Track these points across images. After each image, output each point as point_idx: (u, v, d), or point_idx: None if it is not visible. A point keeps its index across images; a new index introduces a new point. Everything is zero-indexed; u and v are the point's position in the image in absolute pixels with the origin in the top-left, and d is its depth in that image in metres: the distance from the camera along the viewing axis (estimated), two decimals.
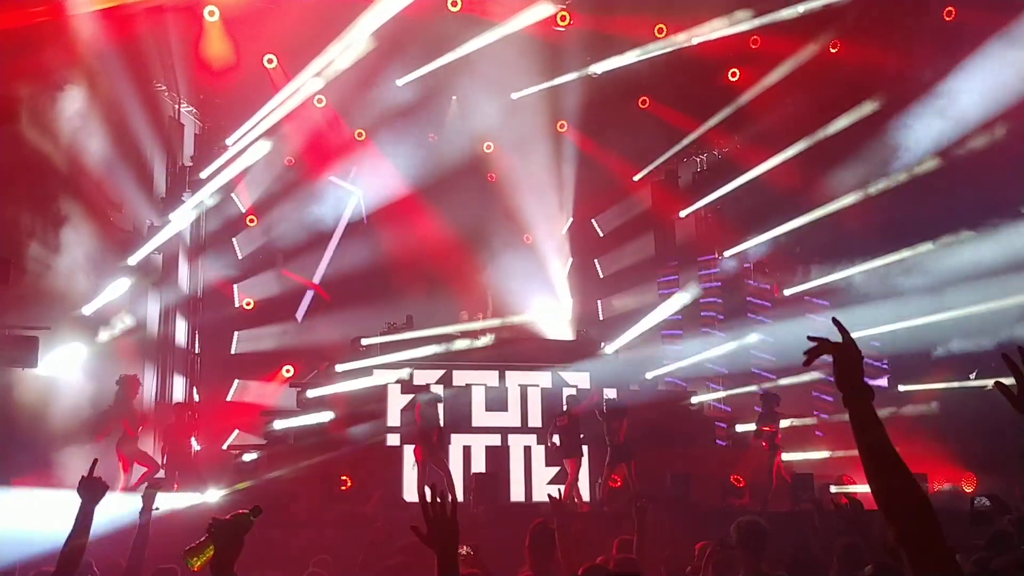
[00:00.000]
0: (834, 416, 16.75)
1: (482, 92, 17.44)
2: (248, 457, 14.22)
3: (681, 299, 19.18)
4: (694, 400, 18.10)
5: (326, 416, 14.73)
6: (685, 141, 19.02)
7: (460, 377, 15.95)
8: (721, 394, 19.22)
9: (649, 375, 18.32)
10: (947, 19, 15.29)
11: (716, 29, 15.91)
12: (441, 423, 13.96)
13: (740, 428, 16.88)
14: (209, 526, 3.57)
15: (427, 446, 13.42)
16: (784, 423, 14.69)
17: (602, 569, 5.04)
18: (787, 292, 18.80)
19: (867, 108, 16.12)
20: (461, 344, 16.16)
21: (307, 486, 12.90)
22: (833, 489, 14.33)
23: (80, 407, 12.79)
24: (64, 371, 12.67)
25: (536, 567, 5.32)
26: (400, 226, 18.31)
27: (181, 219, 16.21)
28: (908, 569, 2.23)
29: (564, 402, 14.94)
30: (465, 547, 5.32)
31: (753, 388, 17.57)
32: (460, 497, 13.40)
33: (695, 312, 20.32)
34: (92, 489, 4.17)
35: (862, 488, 10.25)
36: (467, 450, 15.29)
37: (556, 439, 14.54)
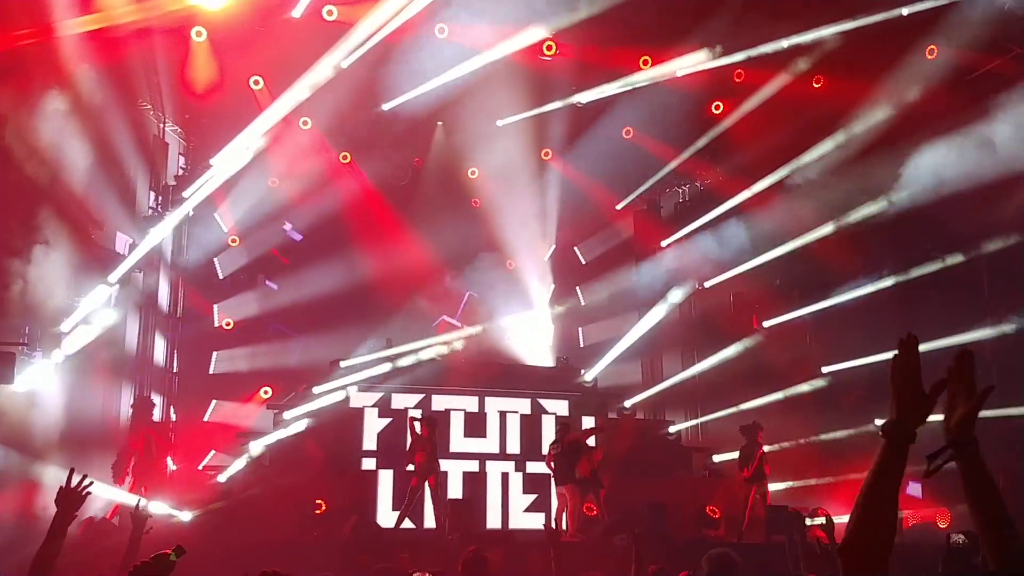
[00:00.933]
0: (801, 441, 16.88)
1: (468, 119, 17.55)
2: (223, 477, 14.15)
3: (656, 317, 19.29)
4: (671, 429, 18.13)
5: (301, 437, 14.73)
6: (665, 170, 19.13)
7: (439, 402, 15.94)
8: (698, 420, 19.27)
9: (628, 403, 18.35)
10: (930, 57, 15.48)
11: (701, 62, 16.08)
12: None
13: (717, 458, 16.90)
14: (130, 572, 3.53)
15: (426, 471, 13.51)
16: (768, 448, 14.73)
17: None
18: (766, 324, 18.87)
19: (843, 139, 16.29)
20: (435, 353, 16.25)
21: (282, 509, 12.82)
22: (808, 522, 14.30)
23: (57, 423, 12.72)
24: (41, 387, 12.59)
25: None
26: (383, 250, 18.30)
27: (159, 235, 16.16)
28: None
29: (555, 431, 14.93)
30: (428, 574, 5.31)
31: (731, 410, 17.68)
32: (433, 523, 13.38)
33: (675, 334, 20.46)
34: (69, 500, 4.22)
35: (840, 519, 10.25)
36: (444, 476, 15.25)
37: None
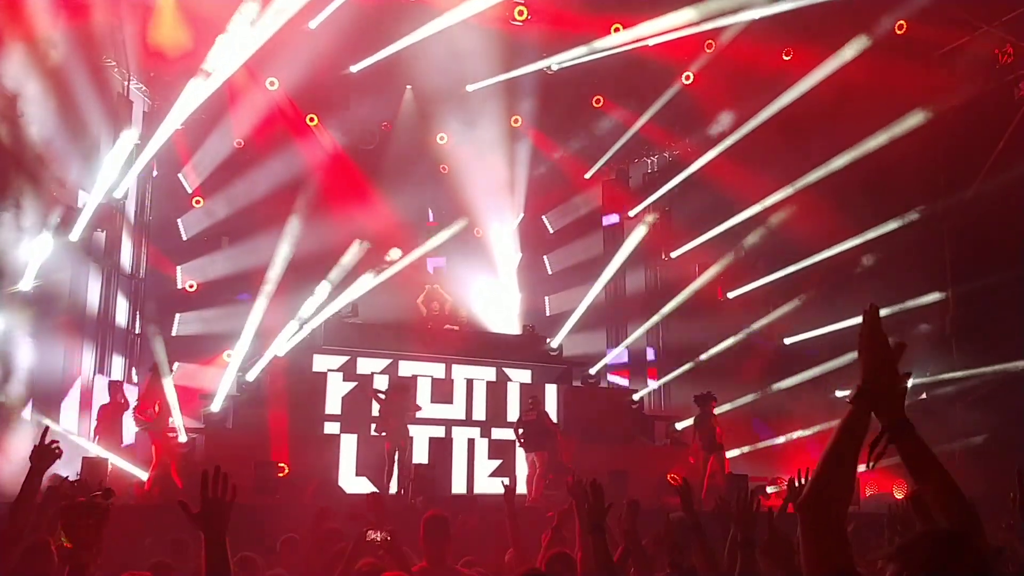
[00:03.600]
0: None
1: (437, 82, 17.41)
2: (183, 438, 14.08)
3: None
4: (635, 396, 18.28)
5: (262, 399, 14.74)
6: (627, 135, 19.10)
7: (406, 367, 15.93)
8: (659, 383, 19.48)
9: (592, 370, 18.46)
10: (898, 32, 15.56)
11: (672, 28, 16.02)
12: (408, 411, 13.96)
13: (679, 425, 17.08)
14: (61, 508, 3.48)
15: (396, 436, 13.53)
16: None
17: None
18: (731, 295, 19.02)
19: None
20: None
21: (243, 472, 12.77)
22: (769, 490, 14.55)
23: (20, 382, 12.60)
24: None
25: (431, 558, 5.30)
26: (350, 214, 18.16)
27: (119, 192, 15.91)
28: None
29: (529, 398, 15.01)
30: (380, 532, 5.30)
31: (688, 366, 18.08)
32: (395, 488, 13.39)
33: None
34: (43, 456, 4.33)
35: None
36: (410, 442, 15.26)
37: (521, 432, 14.55)
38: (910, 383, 2.46)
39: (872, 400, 2.39)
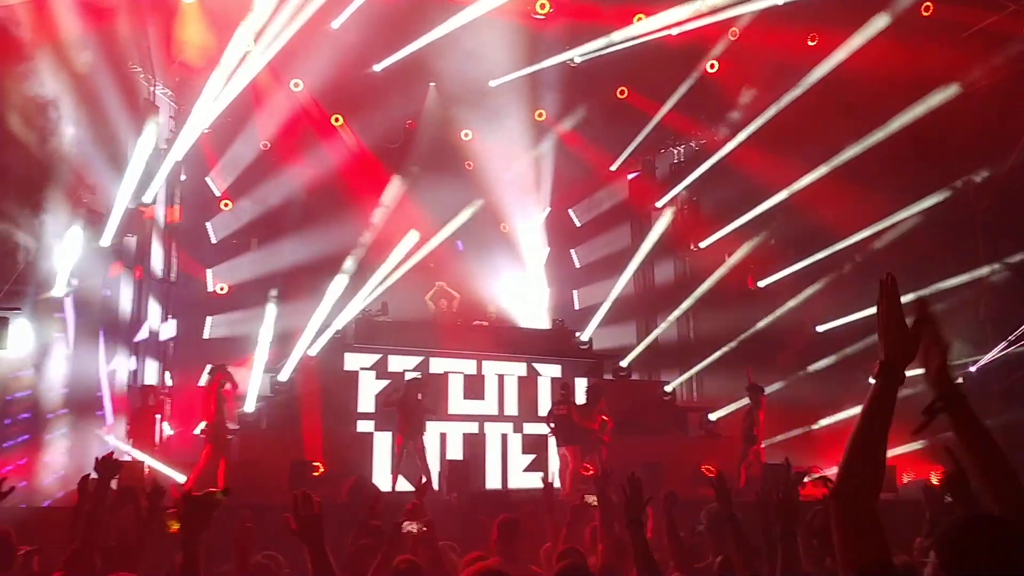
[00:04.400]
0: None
1: (461, 79, 17.40)
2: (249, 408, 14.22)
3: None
4: (667, 388, 18.20)
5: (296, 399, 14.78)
6: (650, 125, 19.01)
7: (437, 365, 15.95)
8: (691, 373, 19.38)
9: (623, 363, 18.40)
10: (924, 14, 15.38)
11: (695, 17, 15.90)
12: (422, 409, 13.95)
13: (713, 416, 16.99)
14: (180, 498, 3.68)
15: (407, 432, 13.52)
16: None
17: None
18: (761, 284, 18.89)
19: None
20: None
21: (279, 472, 12.83)
22: (805, 480, 14.40)
23: (58, 388, 12.73)
24: (31, 352, 12.55)
25: (505, 557, 5.44)
26: (373, 212, 18.19)
27: (148, 197, 16.04)
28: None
29: (561, 391, 14.87)
30: (415, 524, 5.29)
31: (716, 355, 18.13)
32: (435, 484, 13.41)
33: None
34: (108, 468, 5.04)
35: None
36: (444, 437, 15.28)
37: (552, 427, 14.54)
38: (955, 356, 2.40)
39: (897, 375, 2.32)
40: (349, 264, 16.87)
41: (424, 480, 7.11)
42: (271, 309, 16.39)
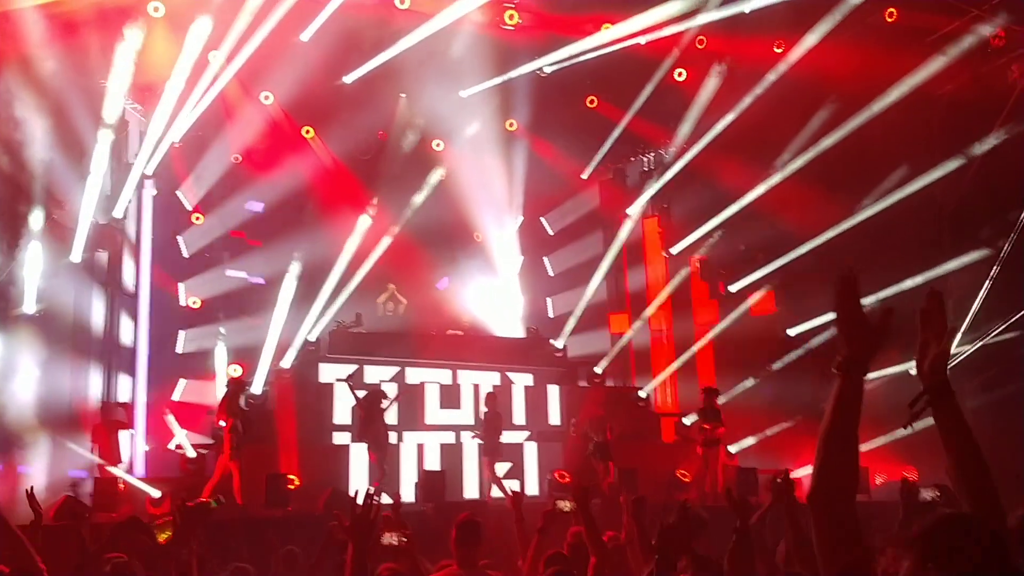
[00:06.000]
0: None
1: (431, 90, 17.44)
2: (192, 454, 14.06)
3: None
4: (641, 394, 18.29)
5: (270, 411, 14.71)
6: (616, 132, 19.12)
7: (413, 375, 15.94)
8: (663, 376, 19.51)
9: (597, 368, 18.46)
10: (888, 20, 15.59)
11: (661, 25, 16.03)
12: (390, 420, 13.95)
13: (687, 421, 17.11)
14: (175, 508, 3.75)
15: (377, 444, 13.50)
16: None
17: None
18: (732, 288, 19.01)
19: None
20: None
21: (255, 486, 12.78)
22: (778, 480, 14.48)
23: (29, 406, 12.63)
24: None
25: (461, 561, 5.31)
26: (350, 224, 18.17)
27: (118, 212, 15.96)
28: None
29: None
30: (395, 535, 5.31)
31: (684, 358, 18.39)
32: (411, 496, 13.39)
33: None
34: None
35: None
36: (420, 447, 15.23)
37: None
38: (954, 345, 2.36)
39: (860, 371, 2.25)
40: (295, 269, 16.84)
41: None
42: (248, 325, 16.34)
